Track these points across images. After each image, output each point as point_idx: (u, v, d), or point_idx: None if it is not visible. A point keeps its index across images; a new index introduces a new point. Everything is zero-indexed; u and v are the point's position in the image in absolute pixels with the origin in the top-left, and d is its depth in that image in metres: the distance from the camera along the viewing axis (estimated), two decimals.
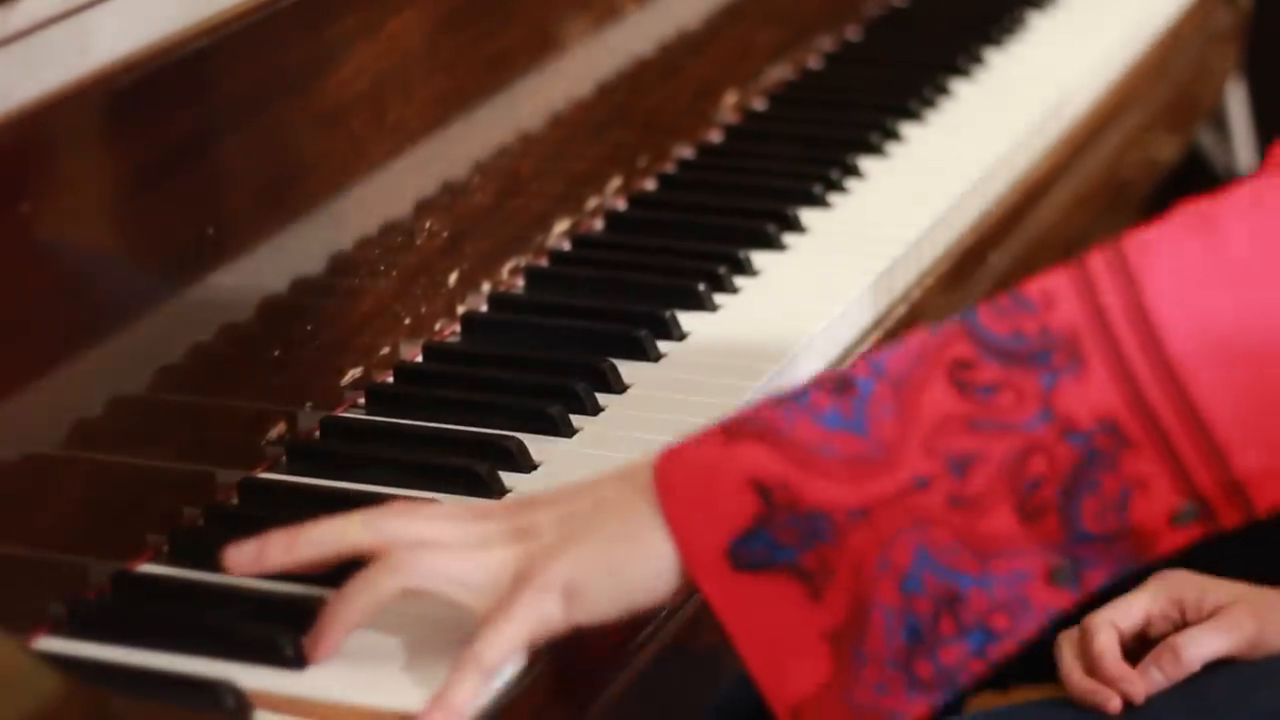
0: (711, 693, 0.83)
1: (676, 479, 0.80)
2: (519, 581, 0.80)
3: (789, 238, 1.25)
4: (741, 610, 0.79)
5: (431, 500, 0.93)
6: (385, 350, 1.09)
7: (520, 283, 1.20)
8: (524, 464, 1.00)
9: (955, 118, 1.43)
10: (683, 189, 1.32)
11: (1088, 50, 1.52)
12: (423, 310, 1.12)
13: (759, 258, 1.22)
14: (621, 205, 1.29)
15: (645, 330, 1.11)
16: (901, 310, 1.21)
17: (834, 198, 1.30)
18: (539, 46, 1.21)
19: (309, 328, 1.03)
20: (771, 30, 1.46)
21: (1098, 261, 0.79)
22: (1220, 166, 2.05)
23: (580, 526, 0.80)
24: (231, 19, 0.97)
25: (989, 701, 1.02)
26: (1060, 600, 0.79)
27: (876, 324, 1.19)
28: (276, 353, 1.01)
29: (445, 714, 0.79)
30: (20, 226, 0.86)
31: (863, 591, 0.78)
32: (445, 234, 1.14)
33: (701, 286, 1.16)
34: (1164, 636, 0.99)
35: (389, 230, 1.10)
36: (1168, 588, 0.98)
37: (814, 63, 1.52)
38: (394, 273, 1.10)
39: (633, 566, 0.79)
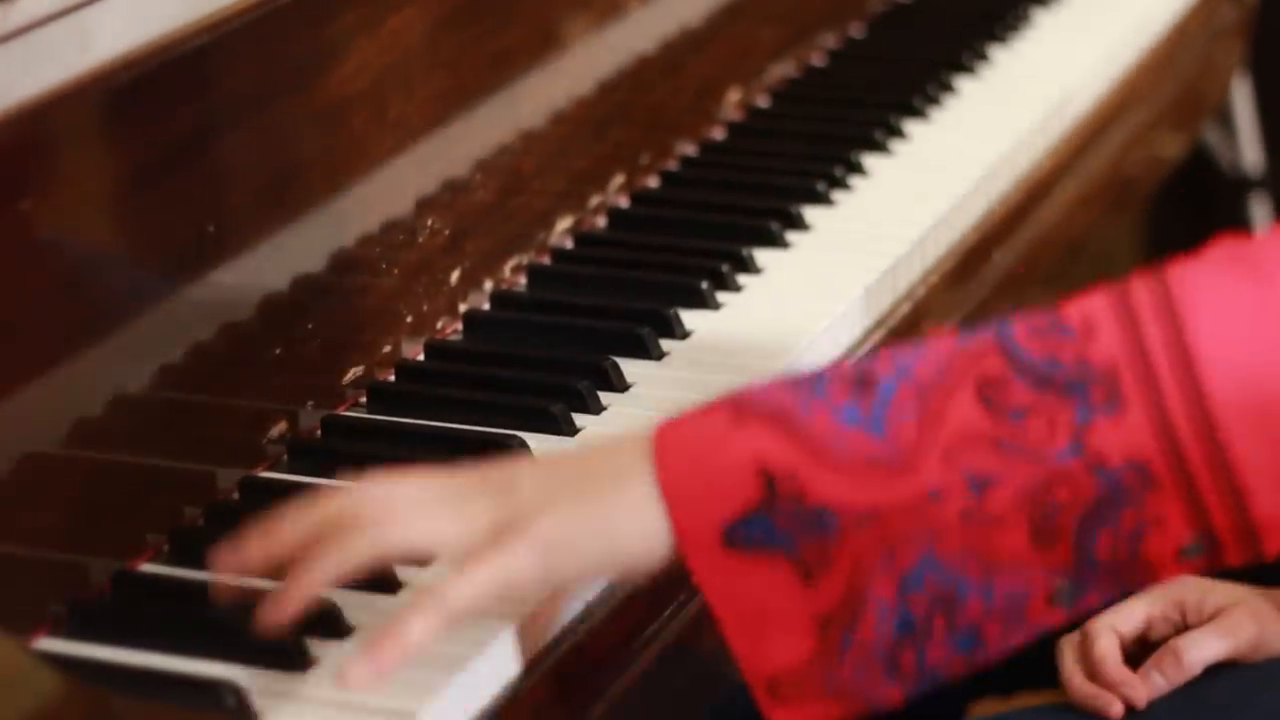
0: (712, 693, 0.83)
1: (677, 452, 0.78)
2: (501, 530, 0.78)
3: (792, 235, 1.24)
4: (728, 587, 0.78)
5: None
6: (387, 348, 1.09)
7: (522, 281, 1.19)
8: None
9: (959, 115, 1.42)
10: (686, 186, 1.32)
11: (1092, 47, 1.51)
12: (424, 308, 1.12)
13: (762, 255, 1.21)
14: (624, 203, 1.29)
15: (648, 328, 1.11)
16: (905, 308, 1.20)
17: (837, 195, 1.30)
18: (541, 44, 1.20)
19: (310, 326, 1.03)
20: (775, 27, 1.46)
21: (1142, 295, 0.78)
22: (1226, 164, 2.05)
23: (567, 484, 0.79)
24: (232, 16, 0.97)
25: (991, 708, 1.01)
26: (1054, 618, 0.79)
27: (880, 322, 1.18)
28: (277, 351, 1.01)
29: (393, 645, 0.76)
30: (20, 224, 0.86)
31: (860, 584, 0.77)
32: (447, 232, 1.13)
33: (704, 284, 1.16)
34: (1165, 640, 0.98)
35: (390, 228, 1.09)
36: (1168, 591, 0.98)
37: (817, 60, 1.51)
38: (396, 271, 1.09)
39: (621, 530, 0.78)
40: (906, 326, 1.20)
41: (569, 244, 1.23)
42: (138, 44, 0.92)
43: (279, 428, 1.01)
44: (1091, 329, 0.78)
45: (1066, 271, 1.46)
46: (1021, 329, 0.78)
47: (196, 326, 0.96)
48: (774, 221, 1.24)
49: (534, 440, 1.01)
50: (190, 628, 0.85)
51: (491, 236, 1.17)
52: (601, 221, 1.27)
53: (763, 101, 1.44)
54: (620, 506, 0.78)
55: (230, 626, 0.83)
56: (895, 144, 1.37)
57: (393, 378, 1.09)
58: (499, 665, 0.83)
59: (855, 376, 0.79)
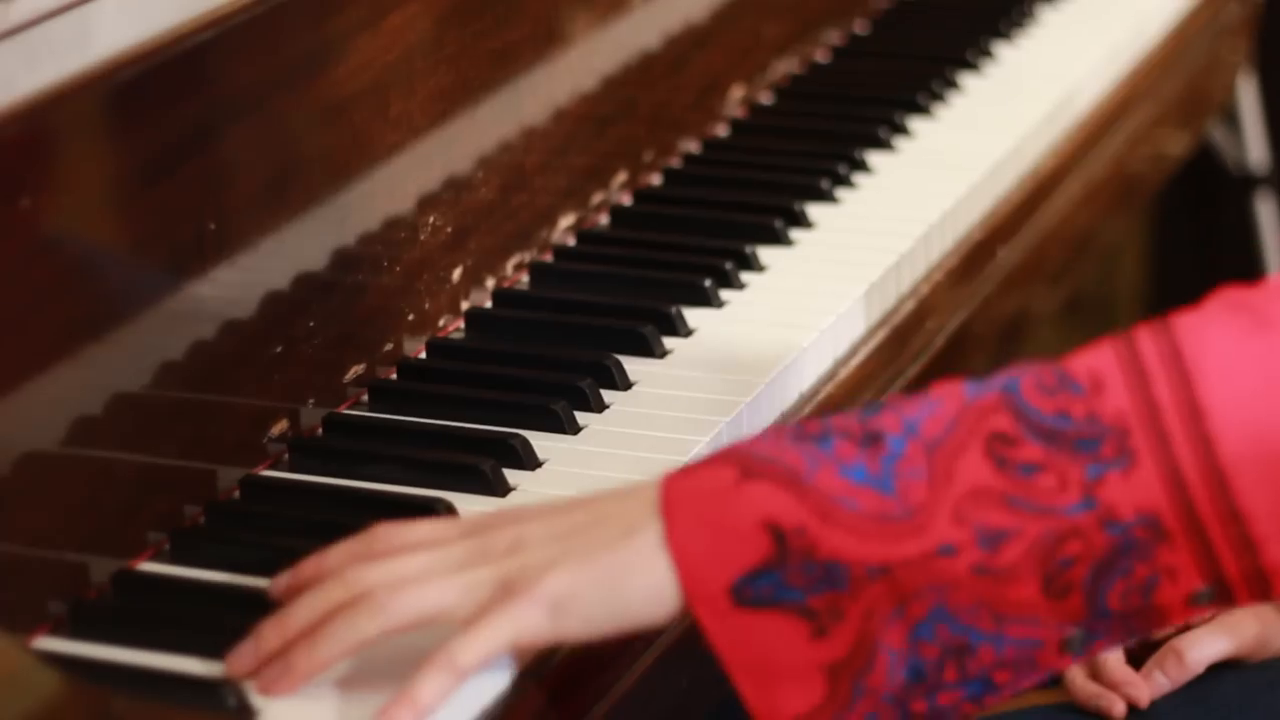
0: (712, 696, 0.83)
1: (685, 507, 0.79)
2: (507, 590, 0.79)
3: (796, 233, 1.24)
4: (737, 641, 0.78)
5: (417, 519, 0.91)
6: (389, 346, 1.09)
7: (525, 278, 1.19)
8: (529, 461, 1.00)
9: (964, 112, 1.42)
10: (689, 184, 1.31)
11: (1097, 44, 1.51)
12: (426, 306, 1.11)
13: (765, 253, 1.21)
14: (627, 200, 1.29)
15: (651, 326, 1.11)
16: (910, 306, 1.20)
17: (841, 193, 1.29)
18: (544, 40, 1.20)
19: (311, 324, 1.03)
20: (778, 24, 1.46)
21: (1149, 348, 0.78)
22: (1231, 162, 2.04)
23: (576, 540, 0.79)
24: (233, 12, 0.96)
25: (992, 707, 1.01)
26: (1064, 664, 0.79)
27: (884, 320, 1.18)
28: (279, 349, 1.01)
29: (410, 710, 0.78)
30: (20, 221, 0.86)
31: (871, 633, 0.78)
32: (449, 229, 1.13)
33: (707, 283, 1.16)
34: (1167, 640, 0.98)
35: (392, 225, 1.09)
36: None
37: (821, 57, 1.51)
38: (397, 268, 1.09)
39: (629, 585, 0.78)
40: (911, 323, 1.19)
41: (571, 241, 1.23)
42: (138, 41, 0.92)
43: (280, 426, 1.00)
44: (1100, 385, 0.78)
45: (1072, 269, 1.45)
46: (1029, 385, 0.78)
47: (197, 324, 0.95)
48: (777, 219, 1.23)
49: (537, 438, 1.01)
50: (191, 627, 0.85)
51: (494, 234, 1.17)
52: (604, 219, 1.26)
53: (766, 98, 1.43)
54: (628, 563, 0.79)
55: (231, 626, 0.83)
56: (900, 141, 1.37)
57: (395, 376, 1.09)
58: (494, 671, 0.82)
59: (862, 434, 0.79)
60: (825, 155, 1.32)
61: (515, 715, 0.82)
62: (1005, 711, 0.98)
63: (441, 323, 1.13)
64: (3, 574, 0.85)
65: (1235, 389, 0.77)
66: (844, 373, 1.13)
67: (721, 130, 1.38)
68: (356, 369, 1.06)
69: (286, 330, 1.01)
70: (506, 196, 1.18)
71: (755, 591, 0.78)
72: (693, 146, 1.35)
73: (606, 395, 1.06)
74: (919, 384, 1.16)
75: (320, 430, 1.03)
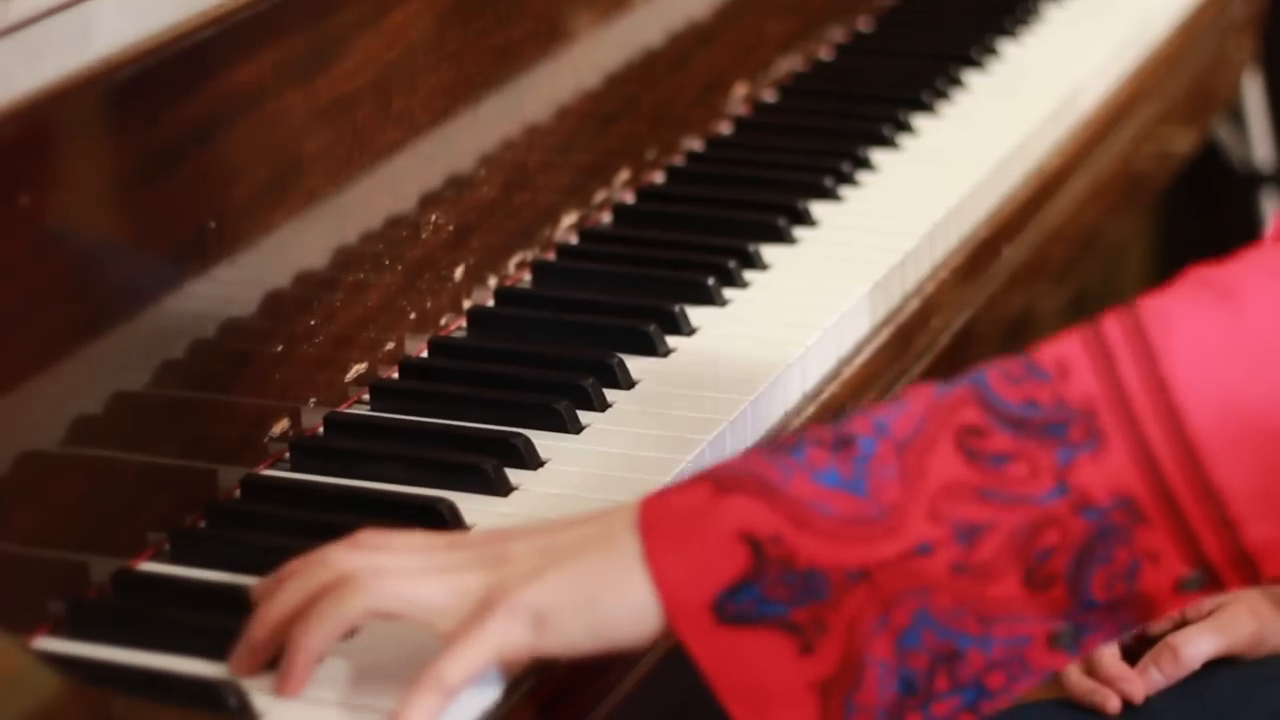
0: (711, 701, 0.82)
1: (662, 524, 0.79)
2: (487, 604, 0.79)
3: (799, 231, 1.24)
4: (723, 662, 0.78)
5: (418, 519, 0.91)
6: (390, 345, 1.08)
7: (527, 277, 1.19)
8: (531, 461, 0.99)
9: (968, 110, 1.42)
10: (692, 182, 1.31)
11: (1102, 41, 1.50)
12: (428, 305, 1.11)
13: (769, 252, 1.21)
14: (630, 198, 1.28)
15: (654, 325, 1.10)
16: (914, 304, 1.20)
17: (845, 191, 1.29)
18: (546, 37, 1.20)
19: (312, 323, 1.02)
20: (781, 21, 1.45)
21: (1113, 329, 0.77)
22: (1237, 159, 2.04)
23: (557, 557, 0.79)
24: (234, 9, 0.96)
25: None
26: (1058, 662, 0.78)
27: (888, 319, 1.17)
28: (280, 348, 1.00)
29: None
30: (20, 219, 0.85)
31: (857, 647, 0.77)
32: (451, 227, 1.13)
33: (710, 281, 1.15)
34: (1163, 636, 0.98)
35: (394, 224, 1.09)
36: None
37: (825, 54, 1.50)
38: (399, 267, 1.09)
39: (609, 604, 0.78)
40: (916, 322, 1.19)
41: (574, 240, 1.23)
42: (139, 38, 0.91)
43: (281, 425, 1.00)
44: (1066, 370, 0.77)
45: (1077, 267, 1.45)
46: (996, 376, 0.78)
47: (198, 323, 0.95)
48: (781, 217, 1.23)
49: (539, 438, 1.00)
50: (191, 628, 0.85)
51: (496, 232, 1.16)
52: (607, 217, 1.26)
53: (770, 96, 1.43)
54: (606, 582, 0.79)
55: (231, 627, 0.83)
56: (904, 139, 1.36)
57: (396, 375, 1.08)
58: (482, 684, 0.82)
59: (833, 439, 0.79)
60: (829, 153, 1.32)
61: None
62: (1002, 708, 0.97)
63: (443, 321, 1.13)
64: (3, 574, 0.85)
65: (1200, 361, 0.76)
66: (848, 371, 1.12)
67: (725, 128, 1.38)
68: (358, 368, 1.06)
69: (287, 329, 1.01)
70: (509, 194, 1.17)
71: (737, 607, 0.77)
72: (696, 144, 1.35)
73: (609, 394, 1.05)
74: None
75: (321, 430, 1.03)
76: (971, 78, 1.47)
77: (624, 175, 1.28)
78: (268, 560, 0.87)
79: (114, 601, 0.89)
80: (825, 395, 1.10)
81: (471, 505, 0.95)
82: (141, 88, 0.91)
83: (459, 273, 1.14)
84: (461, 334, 1.13)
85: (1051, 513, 0.76)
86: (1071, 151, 1.40)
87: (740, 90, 1.41)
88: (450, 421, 1.03)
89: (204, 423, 0.95)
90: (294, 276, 1.01)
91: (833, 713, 0.77)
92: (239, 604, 0.86)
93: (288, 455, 1.00)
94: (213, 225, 0.96)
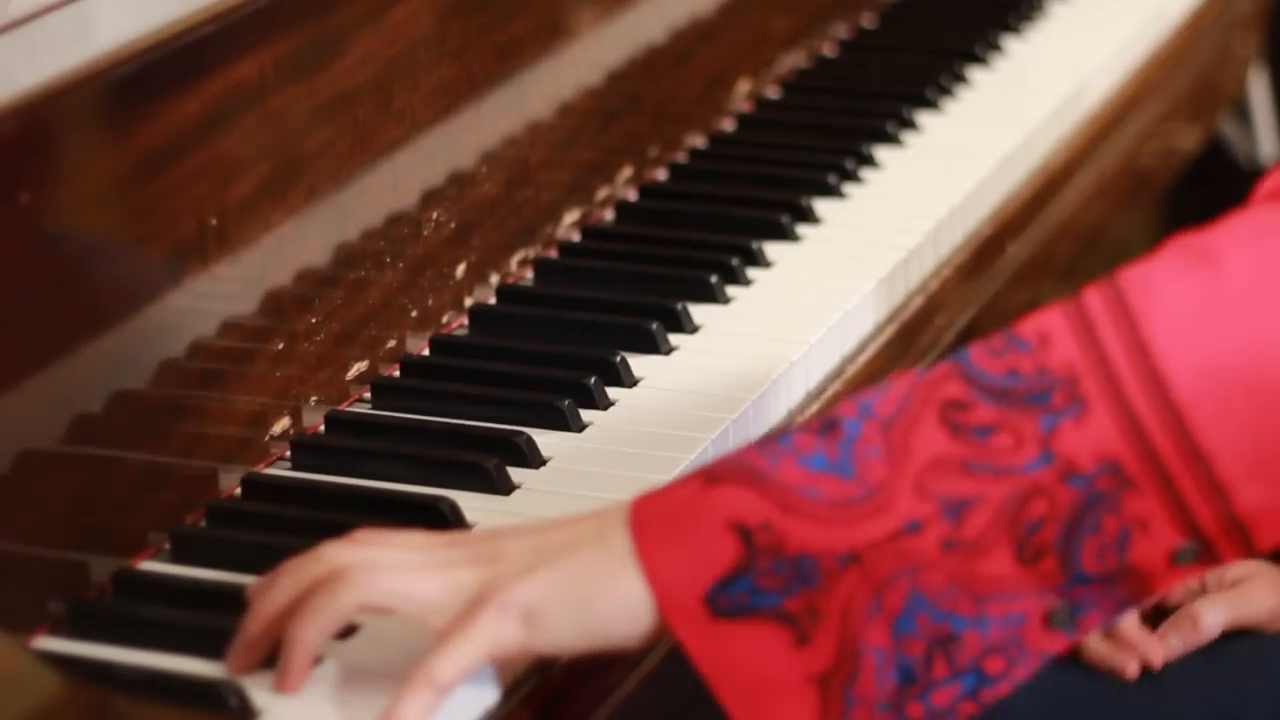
0: (712, 703, 0.82)
1: (653, 520, 0.78)
2: (479, 601, 0.78)
3: (803, 229, 1.23)
4: (720, 657, 0.77)
5: (419, 518, 0.91)
6: (391, 343, 1.08)
7: (529, 274, 1.18)
8: (533, 459, 0.99)
9: (973, 106, 1.41)
10: (695, 179, 1.31)
11: (1107, 38, 1.50)
12: (429, 303, 1.11)
13: (772, 249, 1.20)
14: (632, 196, 1.28)
15: (656, 323, 1.10)
16: (919, 302, 1.19)
17: (849, 188, 1.29)
18: (548, 33, 1.19)
19: (313, 320, 1.02)
20: (785, 17, 1.45)
21: (1094, 298, 0.78)
22: (1243, 156, 2.03)
23: (550, 555, 0.79)
24: (234, 5, 0.96)
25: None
26: (1056, 644, 0.78)
27: (892, 316, 1.17)
28: (280, 346, 1.00)
29: None
30: (19, 217, 0.85)
31: (852, 634, 0.77)
32: (452, 225, 1.12)
33: (713, 278, 1.15)
34: (1183, 605, 0.98)
35: (395, 221, 1.08)
36: None
37: (829, 50, 1.50)
38: (400, 264, 1.08)
39: (601, 601, 0.78)
40: (919, 320, 1.19)
41: (576, 237, 1.22)
42: (139, 34, 0.91)
43: (281, 424, 1.00)
44: (1046, 338, 0.77)
45: (1081, 265, 1.44)
46: (977, 351, 0.78)
47: (198, 321, 0.95)
48: (784, 214, 1.23)
49: (541, 436, 1.00)
50: (191, 627, 0.85)
51: (498, 230, 1.16)
52: (609, 215, 1.26)
53: (773, 93, 1.43)
54: (598, 580, 0.78)
55: (232, 626, 0.82)
56: (907, 135, 1.36)
57: (397, 373, 1.08)
58: (480, 686, 0.82)
59: (819, 424, 0.79)
60: (832, 150, 1.31)
61: None
62: (1003, 695, 0.97)
63: (445, 319, 1.12)
64: (3, 574, 0.84)
65: (1181, 322, 0.76)
66: (851, 370, 1.12)
67: (728, 125, 1.38)
68: (359, 366, 1.06)
69: (288, 327, 1.00)
70: (511, 192, 1.17)
71: (730, 600, 0.77)
72: (699, 141, 1.35)
73: (611, 392, 1.05)
74: None
75: (322, 428, 1.03)
76: (976, 74, 1.46)
77: (626, 172, 1.28)
78: (268, 560, 0.86)
79: (114, 601, 0.89)
80: (829, 393, 1.09)
81: (473, 504, 0.95)
82: (142, 84, 0.91)
83: (461, 270, 1.13)
84: (463, 332, 1.13)
85: (1038, 482, 0.76)
86: (1076, 148, 1.39)
87: (743, 87, 1.40)
88: (452, 420, 1.02)
89: (204, 421, 0.95)
90: (295, 274, 1.01)
91: (832, 706, 0.77)
92: (239, 604, 0.85)
93: (288, 454, 1.00)
94: (213, 222, 0.95)
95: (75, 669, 0.79)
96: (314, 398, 1.02)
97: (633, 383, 1.06)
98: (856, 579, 0.76)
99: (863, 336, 1.14)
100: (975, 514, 0.76)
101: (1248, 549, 0.77)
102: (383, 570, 0.79)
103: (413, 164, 1.09)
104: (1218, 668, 0.97)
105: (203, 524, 0.94)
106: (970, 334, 1.24)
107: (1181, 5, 1.59)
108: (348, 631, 0.84)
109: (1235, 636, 0.98)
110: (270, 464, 0.99)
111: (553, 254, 1.20)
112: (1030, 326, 0.78)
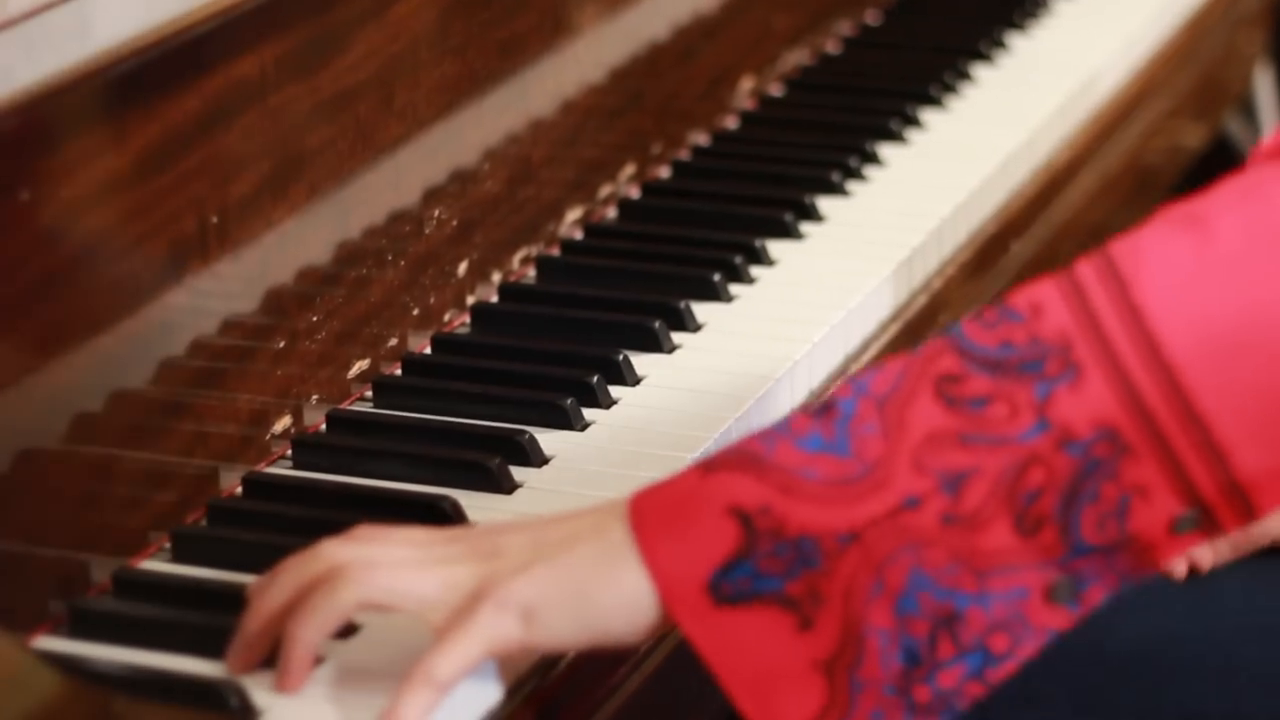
0: (716, 702, 0.81)
1: (652, 512, 0.78)
2: (477, 597, 0.78)
3: (806, 227, 1.23)
4: (724, 645, 0.77)
5: (420, 517, 0.91)
6: (393, 342, 1.08)
7: (531, 273, 1.18)
8: (535, 458, 0.99)
9: (977, 104, 1.41)
10: (698, 177, 1.30)
11: (1112, 35, 1.50)
12: (431, 301, 1.11)
13: (775, 247, 1.20)
14: (635, 193, 1.28)
15: (659, 321, 1.10)
16: (922, 300, 1.19)
17: (853, 186, 1.28)
18: (551, 31, 1.19)
19: (314, 318, 1.02)
20: (789, 14, 1.45)
21: (1085, 268, 0.78)
22: (1248, 154, 2.03)
23: (548, 551, 0.79)
24: (235, 2, 0.95)
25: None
26: (1059, 620, 0.77)
27: (896, 315, 1.17)
28: (281, 345, 1.00)
29: None
30: (19, 215, 0.85)
31: (855, 616, 0.76)
32: (454, 223, 1.12)
33: (717, 277, 1.15)
34: None
35: (397, 219, 1.08)
36: None
37: (832, 48, 1.50)
38: (402, 262, 1.08)
39: (601, 595, 0.77)
40: (924, 319, 1.18)
41: (579, 235, 1.22)
42: (139, 31, 0.91)
43: (283, 422, 1.00)
44: (1039, 308, 0.77)
45: None
46: (970, 325, 0.78)
47: (199, 319, 0.95)
48: (787, 213, 1.22)
49: (544, 435, 1.00)
50: (192, 627, 0.84)
51: (500, 227, 1.16)
52: (612, 212, 1.25)
53: (776, 90, 1.42)
54: (598, 574, 0.78)
55: (233, 625, 0.82)
56: (911, 133, 1.36)
57: (399, 371, 1.08)
58: (482, 685, 0.81)
59: (816, 407, 0.79)
60: (836, 148, 1.31)
61: None
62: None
63: (447, 317, 1.12)
64: (3, 574, 0.84)
65: (1172, 285, 0.76)
66: (855, 368, 1.12)
67: (731, 122, 1.37)
68: (360, 364, 1.05)
69: (289, 325, 1.00)
70: (513, 189, 1.17)
71: (733, 586, 0.76)
72: (702, 139, 1.34)
73: (614, 391, 1.05)
74: None
75: (324, 427, 1.02)
76: (980, 72, 1.46)
77: (629, 170, 1.27)
78: (269, 559, 0.86)
79: (114, 601, 0.88)
80: (833, 392, 1.09)
81: (475, 503, 0.94)
82: (142, 82, 0.91)
83: (462, 268, 1.13)
84: (465, 330, 1.13)
85: (1035, 450, 0.76)
86: (1081, 146, 1.39)
87: (746, 84, 1.40)
88: (454, 418, 1.02)
89: (205, 420, 0.95)
90: (296, 272, 1.01)
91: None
92: (240, 603, 0.85)
93: (289, 453, 1.00)
94: (214, 220, 0.95)
95: (75, 669, 0.79)
96: (315, 396, 1.02)
97: (635, 381, 1.06)
98: (858, 559, 0.76)
99: (866, 334, 1.14)
100: (973, 486, 0.76)
101: (1249, 515, 0.77)
102: (381, 567, 0.79)
103: (415, 161, 1.09)
104: (1264, 577, 0.96)
105: (203, 523, 0.94)
106: None
107: (1186, 2, 1.58)
108: (348, 631, 0.84)
109: None
110: (271, 463, 0.99)
111: (555, 252, 1.20)
112: (1022, 297, 0.78)
